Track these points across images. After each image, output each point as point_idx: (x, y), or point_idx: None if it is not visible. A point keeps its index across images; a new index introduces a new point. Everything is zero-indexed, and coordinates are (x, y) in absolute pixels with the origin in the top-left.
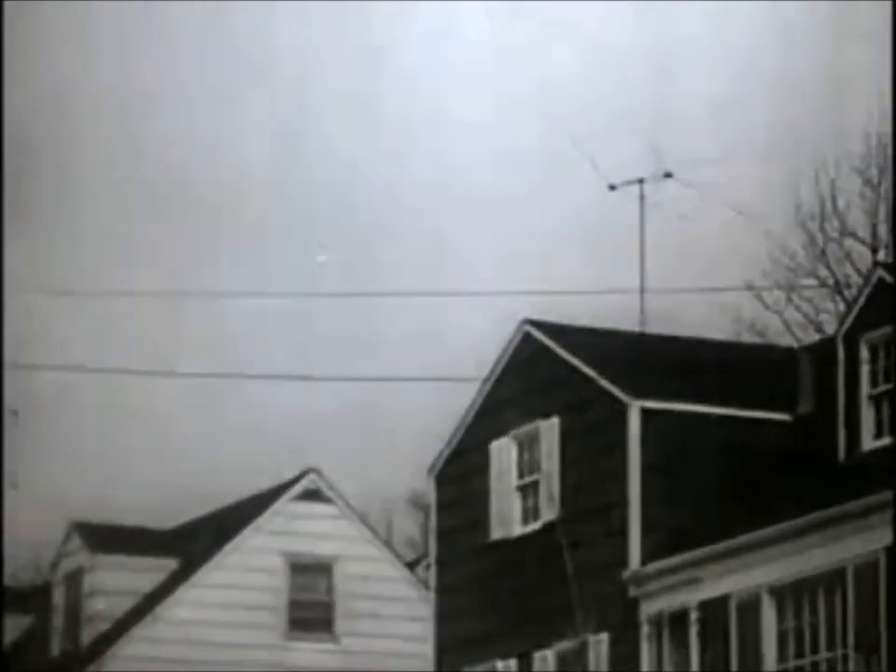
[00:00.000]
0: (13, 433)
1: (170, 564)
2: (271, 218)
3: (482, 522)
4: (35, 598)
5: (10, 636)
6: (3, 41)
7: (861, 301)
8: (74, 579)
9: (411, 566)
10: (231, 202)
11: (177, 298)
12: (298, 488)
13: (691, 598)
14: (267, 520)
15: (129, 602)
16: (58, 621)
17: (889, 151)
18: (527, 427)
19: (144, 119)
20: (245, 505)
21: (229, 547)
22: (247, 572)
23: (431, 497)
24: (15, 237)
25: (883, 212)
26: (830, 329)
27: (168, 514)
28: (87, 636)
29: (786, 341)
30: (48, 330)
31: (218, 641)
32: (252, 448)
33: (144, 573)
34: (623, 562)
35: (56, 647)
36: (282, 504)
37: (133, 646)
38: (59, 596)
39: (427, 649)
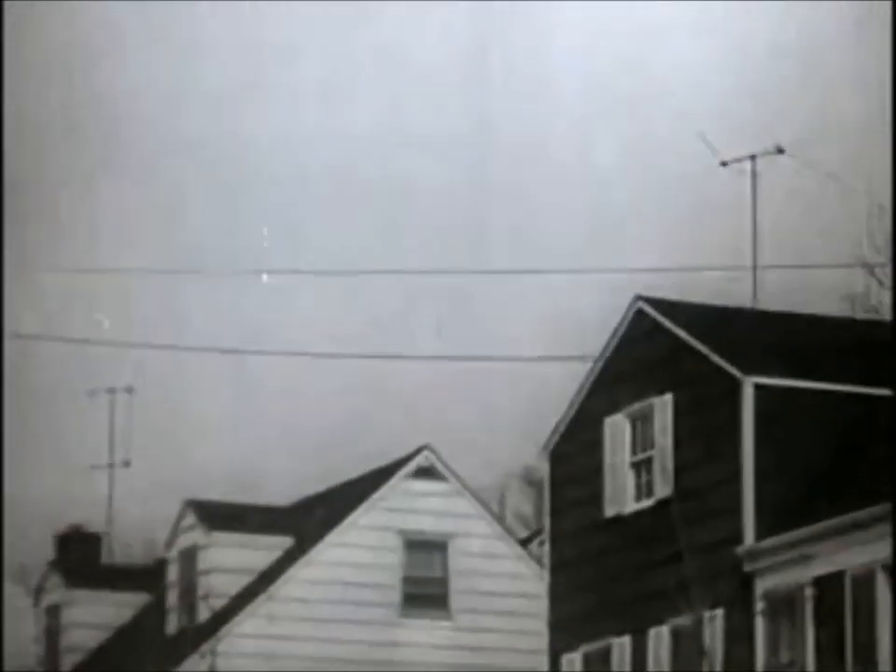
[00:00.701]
0: (126, 411)
1: (285, 541)
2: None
3: (595, 498)
4: (150, 576)
5: (127, 613)
6: (3, 41)
7: None
8: (189, 556)
9: (524, 542)
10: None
11: (298, 276)
12: (412, 465)
13: (805, 574)
14: (382, 497)
15: (244, 580)
16: (173, 598)
17: None
18: (641, 404)
19: None
20: (360, 482)
21: (344, 524)
22: (362, 549)
23: (545, 474)
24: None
25: None
26: None
27: (282, 492)
28: (202, 613)
29: None
30: (162, 310)
31: (333, 618)
32: (367, 426)
33: (259, 551)
34: (738, 538)
35: (172, 624)
36: (397, 481)
37: (249, 623)
38: (174, 574)
39: (541, 626)
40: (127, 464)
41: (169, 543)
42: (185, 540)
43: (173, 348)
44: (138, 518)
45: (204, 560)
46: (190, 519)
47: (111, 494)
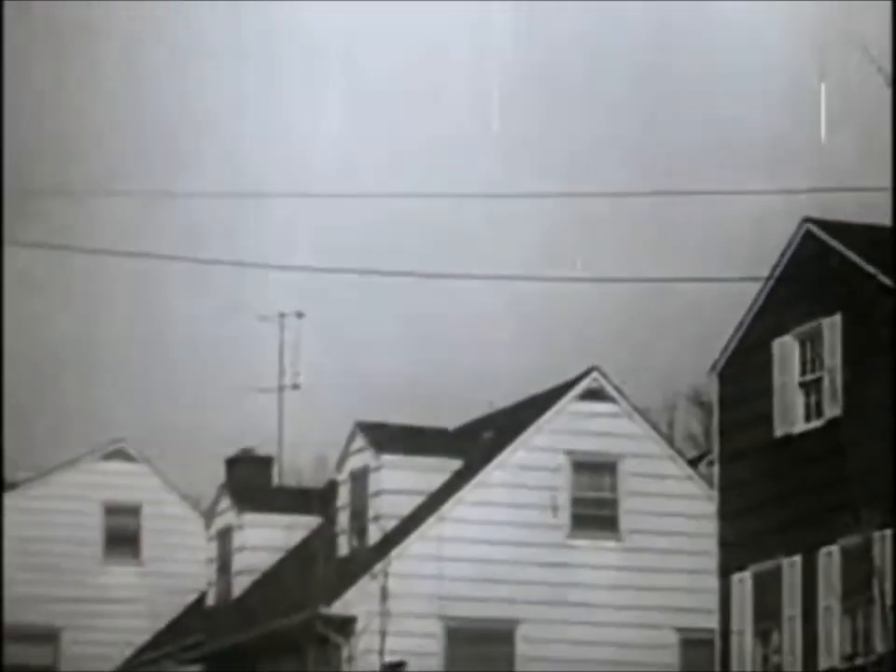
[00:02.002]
0: (296, 334)
1: (454, 463)
2: None
3: (764, 419)
4: (321, 498)
5: (298, 535)
6: (3, 41)
7: None
8: (359, 478)
9: (693, 463)
10: None
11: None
12: (581, 387)
13: None
14: (550, 419)
15: (414, 501)
16: (344, 520)
17: None
18: (809, 325)
19: None
20: (529, 405)
21: (513, 446)
22: (531, 471)
23: (714, 395)
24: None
25: None
26: None
27: (452, 414)
28: (373, 535)
29: None
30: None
31: (502, 540)
32: (535, 348)
33: (428, 473)
34: None
35: (343, 546)
36: (565, 403)
37: (419, 545)
38: (344, 496)
39: (711, 545)
40: (296, 387)
41: (339, 466)
42: (355, 462)
43: (340, 271)
44: (308, 441)
45: (375, 482)
46: (360, 441)
47: (281, 417)
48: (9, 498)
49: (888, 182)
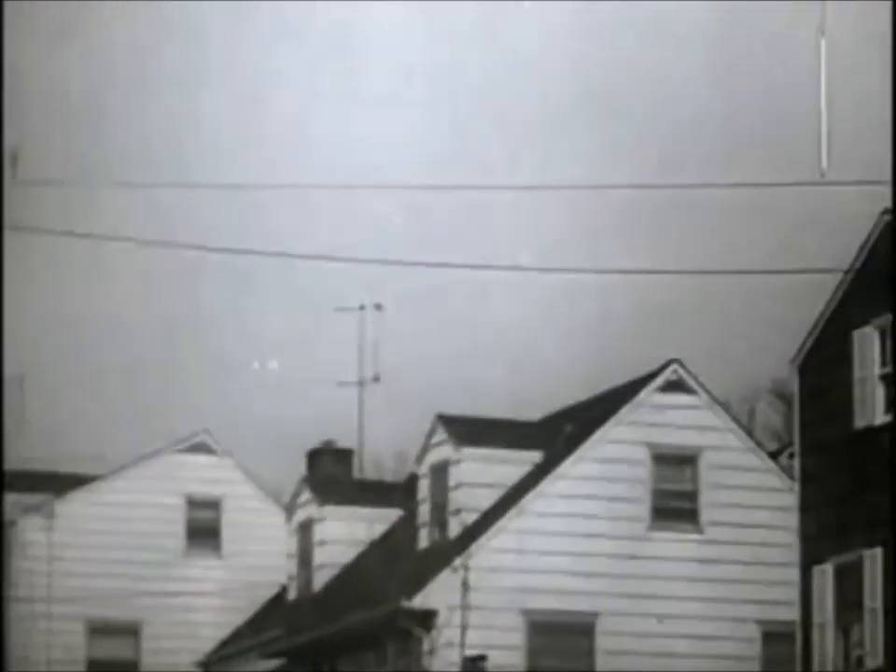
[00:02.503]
0: (377, 327)
1: (534, 456)
2: None
3: (845, 411)
4: (401, 491)
5: (378, 528)
6: (3, 41)
7: None
8: (440, 471)
9: (774, 455)
10: None
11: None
12: (661, 379)
13: None
14: (631, 411)
15: (494, 494)
16: (425, 513)
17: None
18: (889, 316)
19: None
20: (609, 397)
21: (593, 438)
22: (611, 463)
23: (794, 387)
24: None
25: None
26: None
27: (532, 407)
28: (453, 528)
29: None
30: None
31: (582, 532)
32: (614, 342)
33: (509, 466)
34: None
35: (424, 539)
36: (646, 395)
37: (500, 538)
38: (425, 489)
39: (792, 538)
40: (377, 379)
41: (420, 458)
42: (435, 455)
43: (421, 265)
44: (389, 434)
45: (455, 475)
46: (441, 434)
47: (362, 410)
48: (92, 492)
49: None
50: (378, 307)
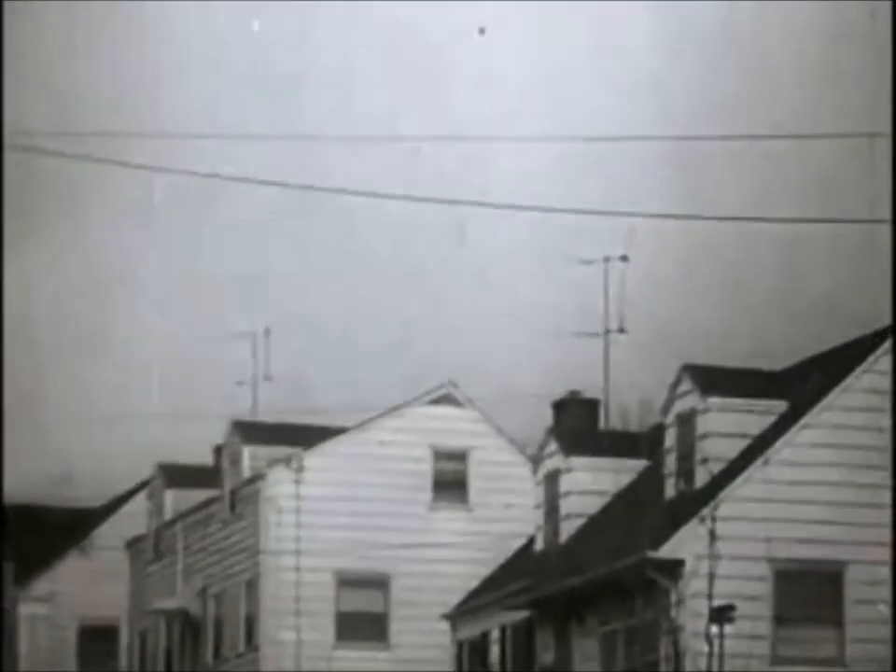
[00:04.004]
0: (620, 279)
1: (780, 405)
2: None
3: None
4: (647, 441)
5: (625, 479)
6: (3, 41)
7: None
8: (686, 421)
9: None
10: None
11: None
12: None
13: None
14: (877, 360)
15: (740, 444)
16: (671, 463)
17: None
18: None
19: None
20: (856, 345)
21: (840, 387)
22: (858, 412)
23: None
24: None
25: None
26: None
27: (777, 356)
28: (700, 478)
29: None
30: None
31: (828, 481)
32: (856, 290)
33: (755, 415)
34: None
35: (670, 489)
36: (892, 344)
37: (746, 488)
38: (671, 439)
39: None
40: (622, 331)
41: (665, 409)
42: (682, 405)
43: (665, 217)
44: (634, 384)
45: (702, 425)
46: (687, 384)
47: (607, 361)
48: (340, 444)
49: None
50: (624, 258)
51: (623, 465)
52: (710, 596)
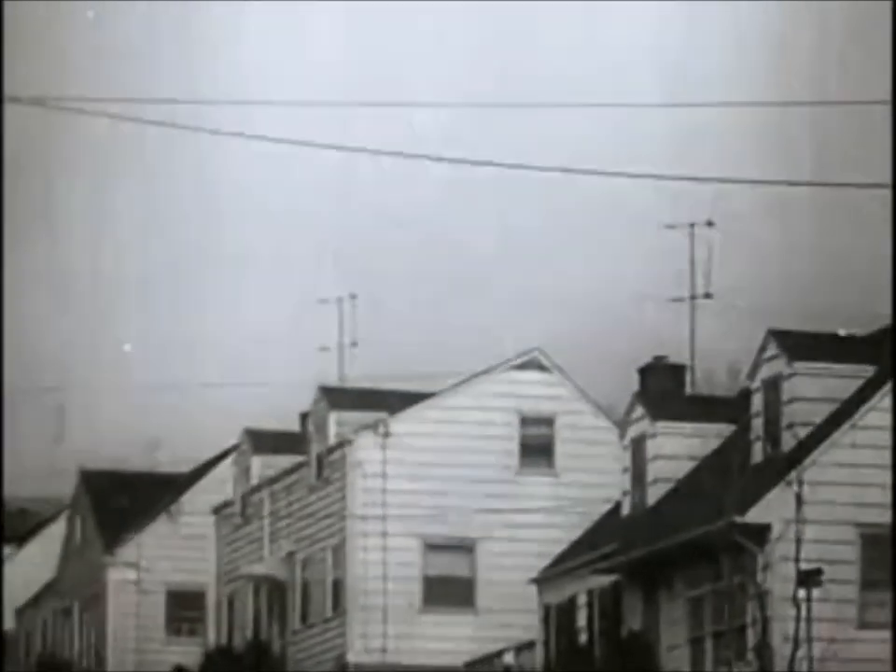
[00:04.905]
0: (706, 244)
1: (867, 370)
2: None
3: None
4: (734, 406)
5: (711, 443)
6: (3, 41)
7: None
8: (773, 386)
9: None
10: None
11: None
12: None
13: None
14: None
15: (827, 408)
16: (758, 427)
17: None
18: None
19: None
20: None
21: None
22: None
23: None
24: None
25: None
26: None
27: (859, 324)
28: (787, 442)
29: None
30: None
31: None
32: None
33: (841, 379)
34: None
35: (757, 454)
36: None
37: (833, 452)
38: (758, 403)
39: None
40: (708, 296)
41: (752, 373)
42: (768, 370)
43: (752, 182)
44: (721, 349)
45: (788, 389)
46: (773, 349)
47: (693, 325)
48: (426, 409)
49: None
50: (710, 224)
51: (710, 430)
52: (797, 560)
